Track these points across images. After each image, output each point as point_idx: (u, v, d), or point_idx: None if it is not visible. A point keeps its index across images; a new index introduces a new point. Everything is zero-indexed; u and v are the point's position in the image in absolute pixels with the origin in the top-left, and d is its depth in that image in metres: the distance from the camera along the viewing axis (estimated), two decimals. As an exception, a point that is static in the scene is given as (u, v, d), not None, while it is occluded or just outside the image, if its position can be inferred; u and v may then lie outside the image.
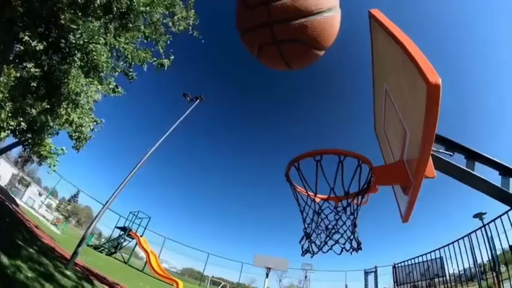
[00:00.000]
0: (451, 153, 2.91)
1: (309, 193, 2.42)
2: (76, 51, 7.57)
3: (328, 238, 2.39)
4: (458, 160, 2.89)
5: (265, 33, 1.11)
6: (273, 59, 1.24)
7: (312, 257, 2.40)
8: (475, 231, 8.96)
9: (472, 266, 9.63)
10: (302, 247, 2.43)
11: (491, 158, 2.99)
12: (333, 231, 2.39)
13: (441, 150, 2.89)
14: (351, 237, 2.34)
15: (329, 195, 2.32)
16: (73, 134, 9.61)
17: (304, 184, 2.38)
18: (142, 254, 16.39)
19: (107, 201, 9.57)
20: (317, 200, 2.44)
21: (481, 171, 2.87)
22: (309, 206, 2.46)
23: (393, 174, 2.25)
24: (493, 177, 2.88)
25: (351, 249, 2.31)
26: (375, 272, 17.03)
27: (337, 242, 2.37)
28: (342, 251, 2.32)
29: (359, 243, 2.32)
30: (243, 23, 1.20)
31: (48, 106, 8.19)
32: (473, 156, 2.95)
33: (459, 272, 10.62)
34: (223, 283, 21.14)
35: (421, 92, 1.53)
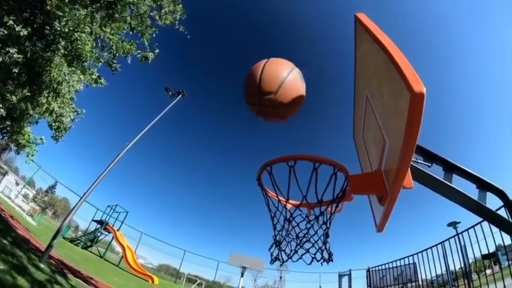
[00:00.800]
0: (429, 164, 2.84)
1: (280, 198, 2.29)
2: (60, 39, 7.35)
3: (298, 247, 2.26)
4: (436, 171, 2.83)
5: (258, 107, 1.93)
6: (269, 118, 2.00)
7: (281, 265, 2.30)
8: (448, 239, 9.09)
9: (444, 272, 9.76)
10: (271, 254, 2.30)
11: (469, 170, 2.94)
12: (304, 240, 2.27)
13: (419, 161, 2.82)
14: (323, 248, 2.22)
15: (301, 202, 2.19)
16: (53, 124, 9.27)
17: (276, 189, 2.26)
18: (118, 249, 15.89)
19: (84, 194, 9.27)
20: (288, 206, 2.31)
21: (459, 183, 2.81)
22: (280, 213, 2.32)
23: (369, 184, 2.14)
24: (471, 190, 2.83)
25: (321, 260, 2.20)
26: (349, 275, 17.15)
27: (307, 251, 2.24)
28: (312, 260, 2.20)
29: (330, 254, 2.21)
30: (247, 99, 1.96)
31: (29, 94, 7.88)
32: (451, 168, 2.90)
33: (431, 278, 10.75)
34: (198, 281, 20.91)
35: (404, 101, 1.43)
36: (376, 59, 1.97)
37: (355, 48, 2.65)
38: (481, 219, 6.04)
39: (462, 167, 2.91)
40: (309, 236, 2.27)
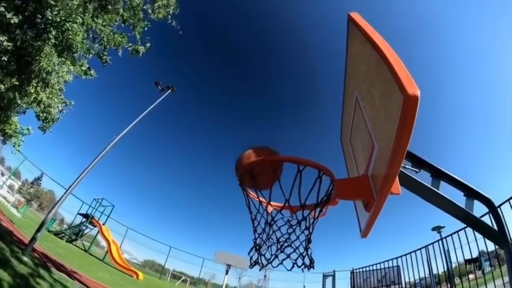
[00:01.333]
0: (417, 170, 2.77)
1: (262, 200, 2.17)
2: (51, 29, 7.15)
3: (279, 252, 2.15)
4: (424, 178, 2.76)
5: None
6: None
7: (260, 270, 2.17)
8: (432, 243, 9.13)
9: (427, 276, 9.84)
10: (251, 258, 2.18)
11: (457, 177, 2.88)
12: (285, 244, 2.16)
13: (407, 166, 2.74)
14: (304, 254, 2.11)
15: (284, 204, 2.08)
16: (41, 114, 9.06)
17: (257, 190, 2.16)
18: (104, 243, 15.58)
19: (70, 186, 9.03)
20: (270, 209, 2.19)
21: (446, 190, 2.75)
22: (261, 215, 2.21)
23: (355, 189, 2.04)
24: (458, 197, 2.78)
25: (302, 266, 2.09)
26: (333, 275, 17.19)
27: (288, 256, 2.13)
28: (293, 266, 2.09)
29: (311, 261, 2.10)
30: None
31: (18, 83, 7.66)
32: (438, 175, 2.83)
33: (415, 281, 10.82)
34: (183, 277, 20.70)
35: (396, 104, 1.33)
36: (368, 59, 1.87)
37: (347, 48, 2.56)
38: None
39: (450, 174, 2.85)
40: (291, 241, 2.16)
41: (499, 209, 2.87)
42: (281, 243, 2.15)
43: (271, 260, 2.12)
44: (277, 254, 2.12)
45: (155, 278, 19.08)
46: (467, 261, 7.77)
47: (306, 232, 2.13)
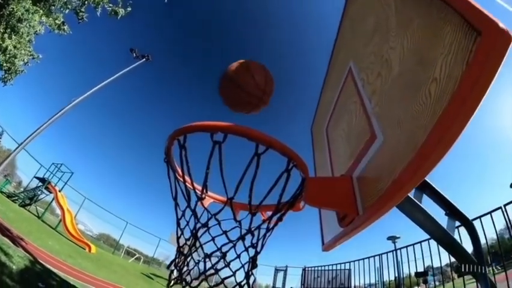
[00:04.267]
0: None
1: (196, 186, 1.41)
2: None
3: (211, 270, 1.40)
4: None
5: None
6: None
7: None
8: (386, 253, 8.97)
9: (376, 282, 9.73)
10: (170, 274, 1.44)
11: (440, 192, 2.26)
12: (219, 262, 1.41)
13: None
14: (243, 282, 1.36)
15: (227, 199, 1.32)
16: (4, 64, 7.97)
17: (188, 171, 1.34)
18: (59, 211, 14.30)
19: (24, 140, 7.94)
20: (206, 202, 1.43)
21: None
22: (192, 210, 1.40)
23: (332, 194, 1.31)
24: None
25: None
26: (285, 271, 16.85)
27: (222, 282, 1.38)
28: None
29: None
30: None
31: (-17, 27, 6.68)
32: (422, 187, 2.20)
33: (365, 285, 10.65)
34: (137, 255, 19.61)
35: (460, 52, 0.70)
36: (381, 12, 1.20)
37: (344, 10, 1.89)
38: (421, 239, 5.80)
39: (434, 186, 2.24)
40: (227, 261, 1.41)
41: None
42: (208, 256, 1.38)
43: (199, 279, 1.37)
44: (206, 272, 1.36)
45: (109, 253, 17.77)
46: (417, 274, 7.65)
47: (256, 241, 1.36)
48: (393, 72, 1.13)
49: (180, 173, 1.41)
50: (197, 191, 1.37)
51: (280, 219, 1.32)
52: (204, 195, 1.36)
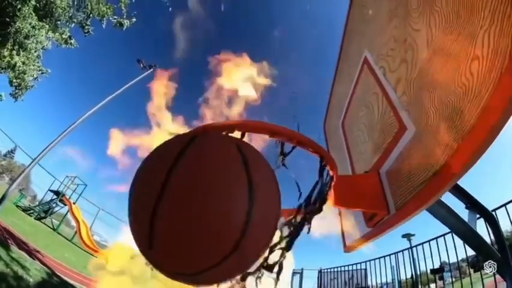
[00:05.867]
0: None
1: None
2: None
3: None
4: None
5: None
6: None
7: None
8: (402, 251, 8.79)
9: (390, 281, 9.55)
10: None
11: (460, 185, 2.12)
12: None
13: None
14: None
15: None
16: (14, 80, 8.10)
17: None
18: (74, 223, 14.41)
19: (37, 155, 8.05)
20: None
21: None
22: None
23: (359, 193, 1.22)
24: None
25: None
26: (301, 273, 16.69)
27: None
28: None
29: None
30: None
31: (-8, 44, 6.84)
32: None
33: (382, 284, 10.45)
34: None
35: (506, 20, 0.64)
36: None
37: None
38: (437, 235, 5.70)
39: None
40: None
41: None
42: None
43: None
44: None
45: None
46: (432, 271, 7.35)
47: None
48: (420, 56, 1.03)
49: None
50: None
51: (309, 222, 1.19)
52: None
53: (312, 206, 0.97)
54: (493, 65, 0.67)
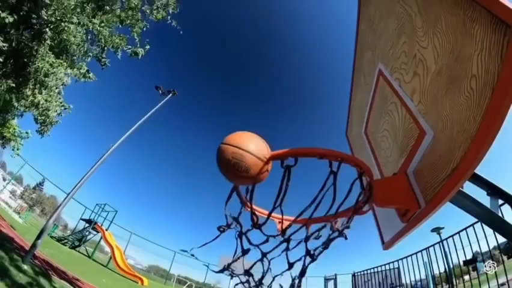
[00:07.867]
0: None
1: (275, 216, 1.45)
2: (47, 29, 6.73)
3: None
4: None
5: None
6: None
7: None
8: (433, 245, 8.69)
9: (423, 278, 9.44)
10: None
11: (480, 174, 2.23)
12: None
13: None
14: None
15: (296, 218, 1.41)
16: (39, 118, 8.53)
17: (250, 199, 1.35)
18: (107, 249, 14.84)
19: (71, 190, 8.44)
20: (281, 226, 1.47)
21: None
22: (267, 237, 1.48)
23: (394, 193, 1.44)
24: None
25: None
26: (335, 279, 16.53)
27: None
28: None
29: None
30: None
31: (14, 85, 7.23)
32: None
33: (415, 282, 10.29)
34: (189, 282, 19.83)
35: (492, 47, 0.84)
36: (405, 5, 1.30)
37: (359, 12, 1.99)
38: (465, 225, 6.08)
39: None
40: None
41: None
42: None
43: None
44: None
45: (160, 284, 18.23)
46: (465, 263, 7.34)
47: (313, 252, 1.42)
48: (430, 70, 1.24)
49: (248, 203, 1.43)
50: (275, 219, 1.51)
51: (347, 226, 1.38)
52: (282, 221, 1.46)
53: (357, 206, 1.18)
54: (487, 82, 0.87)
